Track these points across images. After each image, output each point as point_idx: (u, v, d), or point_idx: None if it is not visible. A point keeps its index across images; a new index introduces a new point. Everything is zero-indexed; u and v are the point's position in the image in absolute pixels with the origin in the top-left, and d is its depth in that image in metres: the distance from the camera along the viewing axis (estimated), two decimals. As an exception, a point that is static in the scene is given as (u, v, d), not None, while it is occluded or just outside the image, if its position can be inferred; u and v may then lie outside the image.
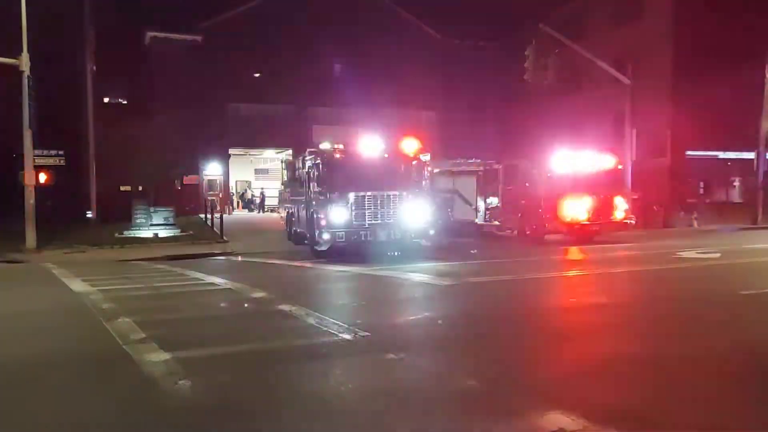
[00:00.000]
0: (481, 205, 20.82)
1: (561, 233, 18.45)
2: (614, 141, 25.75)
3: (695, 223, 25.53)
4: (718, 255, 14.67)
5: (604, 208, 18.37)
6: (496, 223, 20.22)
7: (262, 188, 38.75)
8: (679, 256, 14.69)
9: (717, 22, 29.48)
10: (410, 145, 16.18)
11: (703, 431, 4.16)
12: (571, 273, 12.89)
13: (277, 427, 4.36)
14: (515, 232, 19.42)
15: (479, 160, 21.74)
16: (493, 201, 20.37)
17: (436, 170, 22.39)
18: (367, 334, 6.92)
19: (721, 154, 33.54)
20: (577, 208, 17.89)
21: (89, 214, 24.37)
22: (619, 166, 20.02)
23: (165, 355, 6.07)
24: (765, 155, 26.71)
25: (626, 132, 23.60)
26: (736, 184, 35.21)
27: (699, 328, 7.30)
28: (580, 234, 18.47)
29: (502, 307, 8.94)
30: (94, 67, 23.35)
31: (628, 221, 19.02)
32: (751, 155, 27.00)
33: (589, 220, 18.04)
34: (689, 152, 32.82)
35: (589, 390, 4.98)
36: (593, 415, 4.21)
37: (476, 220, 20.96)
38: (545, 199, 18.25)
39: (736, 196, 35.09)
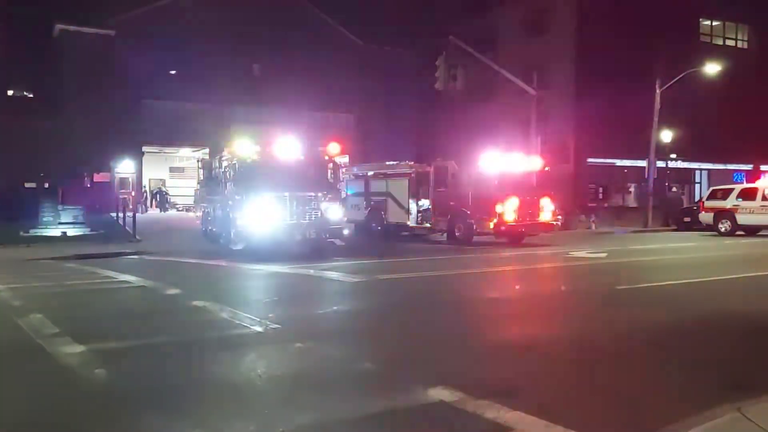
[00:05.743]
0: (413, 207, 20.84)
1: (489, 235, 18.63)
2: (522, 147, 27.24)
3: (593, 226, 27.42)
4: (605, 255, 16.09)
5: (531, 210, 18.70)
6: (427, 225, 20.33)
7: (160, 187, 38.34)
8: (570, 256, 16.01)
9: (616, 41, 31.82)
10: (327, 148, 16.59)
11: (561, 399, 4.96)
12: (471, 271, 13.59)
13: (192, 407, 4.74)
14: (444, 234, 19.62)
15: (412, 162, 21.80)
16: (425, 203, 20.52)
17: (370, 173, 22.55)
18: (278, 326, 7.41)
19: (618, 162, 36.11)
20: (503, 210, 18.08)
21: (-9, 212, 23.33)
22: (546, 168, 20.39)
23: (80, 348, 6.30)
24: (655, 164, 29.03)
25: (531, 139, 25.09)
26: (632, 189, 37.97)
27: (573, 317, 8.28)
28: (508, 235, 18.81)
29: (405, 301, 9.63)
30: (-1, 59, 22.41)
31: (554, 222, 19.59)
32: (644, 163, 29.26)
33: (515, 221, 18.26)
34: (590, 159, 35.19)
35: (471, 369, 5.69)
36: (471, 389, 4.89)
37: (409, 223, 21.00)
38: (473, 201, 18.56)
39: (631, 200, 37.83)
